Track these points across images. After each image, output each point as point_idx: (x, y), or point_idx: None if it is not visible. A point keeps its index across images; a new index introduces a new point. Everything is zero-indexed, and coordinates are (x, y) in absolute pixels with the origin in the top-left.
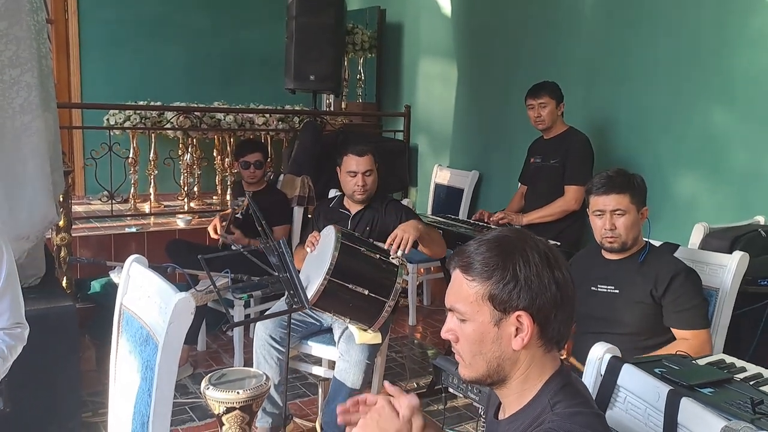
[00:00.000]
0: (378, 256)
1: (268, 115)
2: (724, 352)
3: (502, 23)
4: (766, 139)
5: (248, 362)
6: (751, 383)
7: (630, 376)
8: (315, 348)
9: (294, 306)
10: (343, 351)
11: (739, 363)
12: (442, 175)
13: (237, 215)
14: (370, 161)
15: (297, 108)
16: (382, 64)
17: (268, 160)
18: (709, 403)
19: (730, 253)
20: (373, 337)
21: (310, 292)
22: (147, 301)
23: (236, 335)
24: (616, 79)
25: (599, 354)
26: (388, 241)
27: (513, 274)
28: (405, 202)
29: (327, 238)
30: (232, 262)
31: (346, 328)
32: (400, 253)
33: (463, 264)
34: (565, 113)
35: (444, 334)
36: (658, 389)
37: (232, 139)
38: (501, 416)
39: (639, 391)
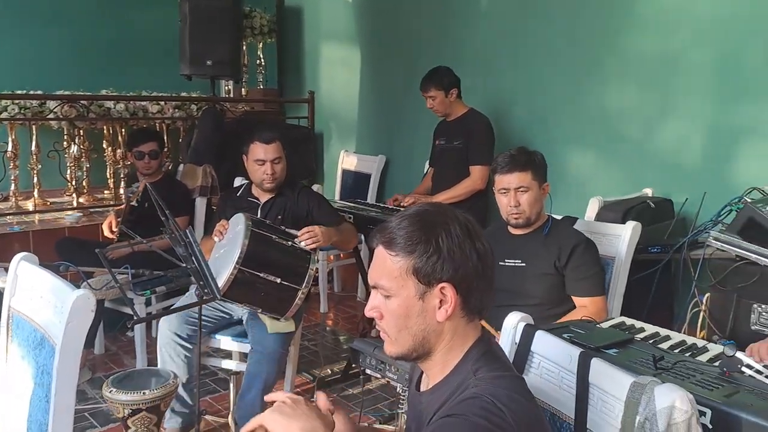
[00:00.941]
0: (290, 243)
1: (163, 103)
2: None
3: (403, 8)
4: (654, 117)
5: (152, 363)
6: (651, 342)
7: (543, 342)
8: (224, 342)
9: (205, 297)
10: (255, 342)
11: (638, 324)
12: (348, 161)
13: (132, 203)
14: (277, 148)
15: (194, 95)
16: (283, 49)
17: (165, 149)
18: (615, 363)
19: (623, 223)
20: (285, 325)
21: (220, 282)
22: (39, 301)
23: (138, 335)
24: (514, 63)
25: (513, 323)
26: (302, 231)
27: (436, 247)
28: (315, 188)
29: (236, 227)
30: (131, 258)
31: (257, 318)
32: (302, 244)
33: (386, 240)
34: (466, 95)
35: (368, 312)
36: (570, 352)
37: (123, 129)
38: (423, 387)
39: (552, 355)
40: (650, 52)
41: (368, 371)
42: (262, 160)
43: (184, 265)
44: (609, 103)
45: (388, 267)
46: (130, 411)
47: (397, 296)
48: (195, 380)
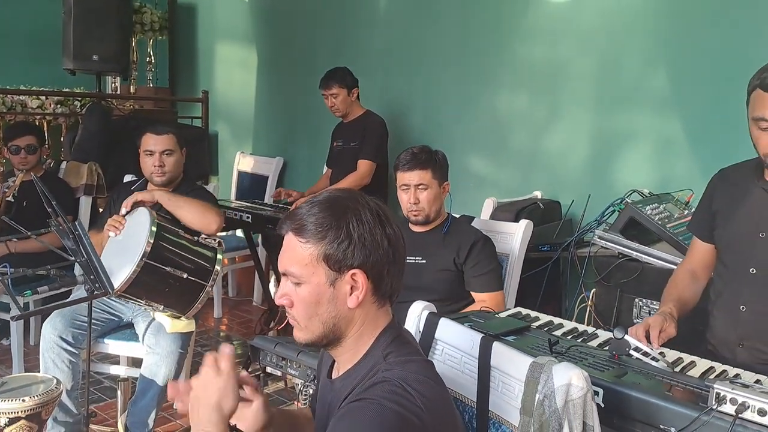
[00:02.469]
0: (196, 238)
1: (44, 98)
2: None
3: (301, 9)
4: (542, 123)
5: (31, 371)
6: (546, 329)
7: (446, 329)
8: (113, 346)
9: (96, 292)
10: (151, 344)
11: (533, 314)
12: (245, 162)
13: (8, 198)
14: (170, 141)
15: (78, 91)
16: (175, 46)
17: (45, 145)
18: (514, 348)
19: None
20: (186, 324)
21: (120, 278)
22: None
23: (14, 342)
24: (411, 69)
25: (417, 311)
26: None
27: (347, 233)
28: (211, 187)
29: (137, 221)
30: (9, 258)
31: (153, 319)
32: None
33: (296, 226)
34: (364, 98)
35: (278, 299)
36: (472, 337)
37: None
38: (335, 375)
39: (455, 341)
40: (539, 60)
41: (269, 369)
42: (151, 151)
43: (73, 258)
44: (501, 109)
45: (298, 254)
46: (8, 420)
47: (308, 283)
48: (80, 387)
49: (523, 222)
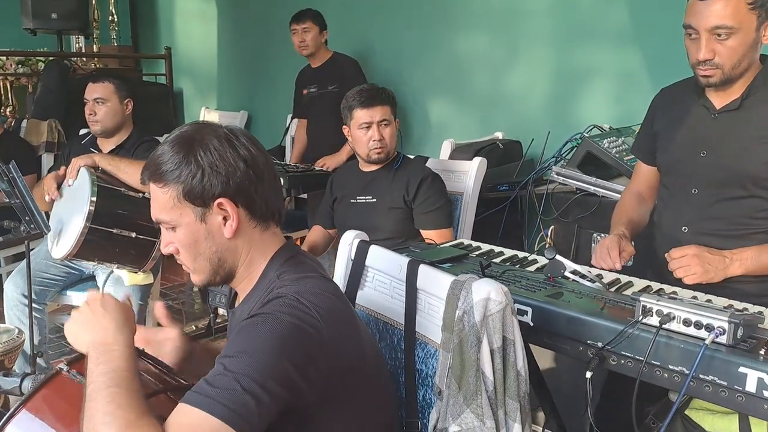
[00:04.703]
0: (141, 195)
1: (5, 58)
2: None
3: None
4: (504, 63)
5: None
6: (484, 257)
7: (375, 255)
8: (76, 297)
9: (32, 233)
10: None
11: (476, 244)
12: (210, 118)
13: None
14: (102, 89)
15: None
16: (136, 3)
17: (5, 107)
18: (447, 273)
19: None
20: (144, 277)
21: (69, 242)
22: None
23: None
24: (369, 13)
25: (348, 240)
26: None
27: (197, 165)
28: None
29: (80, 185)
30: None
31: (112, 272)
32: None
33: (151, 173)
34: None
35: (164, 249)
36: (400, 262)
37: None
38: (237, 305)
39: (384, 267)
40: (496, 2)
41: (220, 310)
42: (86, 99)
43: (7, 200)
44: (460, 50)
45: (161, 200)
46: None
47: (180, 225)
48: (48, 341)
49: (477, 159)
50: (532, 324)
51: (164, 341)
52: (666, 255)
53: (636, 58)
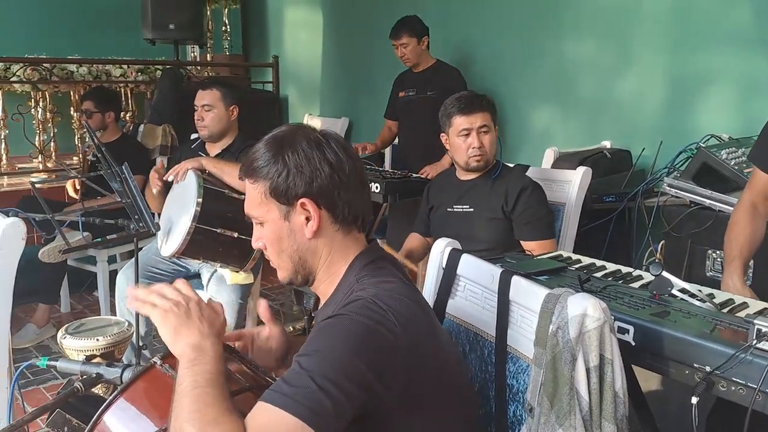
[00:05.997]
0: (243, 197)
1: (126, 67)
2: None
3: None
4: (613, 68)
5: None
6: (584, 271)
7: (468, 264)
8: None
9: (140, 231)
10: (213, 293)
11: (576, 257)
12: (312, 124)
13: (89, 157)
14: (211, 96)
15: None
16: (248, 14)
17: (125, 112)
18: (542, 286)
19: None
20: (245, 277)
21: (177, 241)
22: None
23: (101, 292)
24: (472, 17)
25: (440, 248)
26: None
27: (284, 164)
28: None
29: (188, 186)
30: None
31: (216, 270)
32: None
33: (244, 170)
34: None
35: (254, 244)
36: (492, 272)
37: None
38: (319, 308)
39: (476, 277)
40: (607, 3)
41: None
42: (195, 106)
43: (119, 200)
44: (566, 55)
45: (252, 196)
46: (84, 357)
47: (267, 221)
48: (154, 333)
49: (581, 169)
50: (633, 343)
51: (267, 339)
52: None
53: (760, 62)
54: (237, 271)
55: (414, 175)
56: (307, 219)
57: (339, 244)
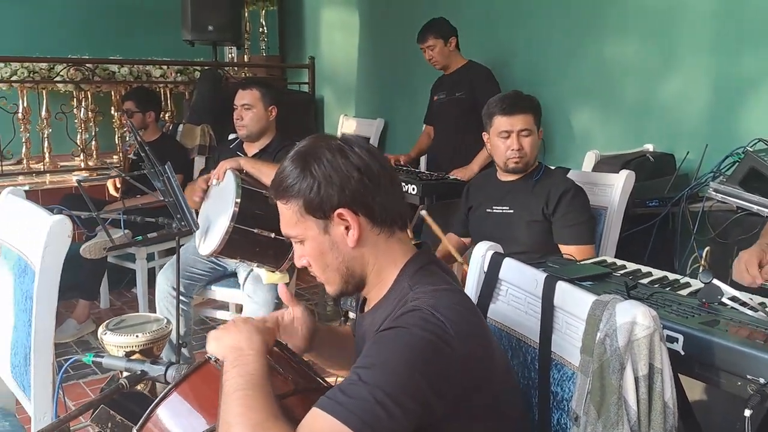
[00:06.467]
0: None
1: (165, 67)
2: None
3: None
4: (658, 70)
5: None
6: (630, 277)
7: (510, 268)
8: (219, 292)
9: (183, 230)
10: (250, 292)
11: (621, 262)
12: (348, 125)
13: (130, 156)
14: (251, 96)
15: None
16: (285, 15)
17: (164, 112)
18: (588, 292)
19: None
20: (281, 277)
21: (215, 240)
22: (24, 231)
23: (140, 289)
24: (513, 16)
25: (482, 252)
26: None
27: (313, 178)
28: None
29: (226, 186)
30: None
31: (252, 270)
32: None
33: (274, 191)
34: (465, 50)
35: (298, 263)
36: (536, 277)
37: None
38: (366, 309)
39: (518, 281)
40: (651, 2)
41: (350, 313)
42: (235, 105)
43: (162, 198)
44: (609, 56)
45: (287, 216)
46: (124, 353)
47: (307, 239)
48: (193, 332)
49: (624, 172)
50: (683, 353)
51: (291, 321)
52: None
53: None
54: (273, 271)
55: (450, 176)
56: (347, 228)
57: (384, 248)
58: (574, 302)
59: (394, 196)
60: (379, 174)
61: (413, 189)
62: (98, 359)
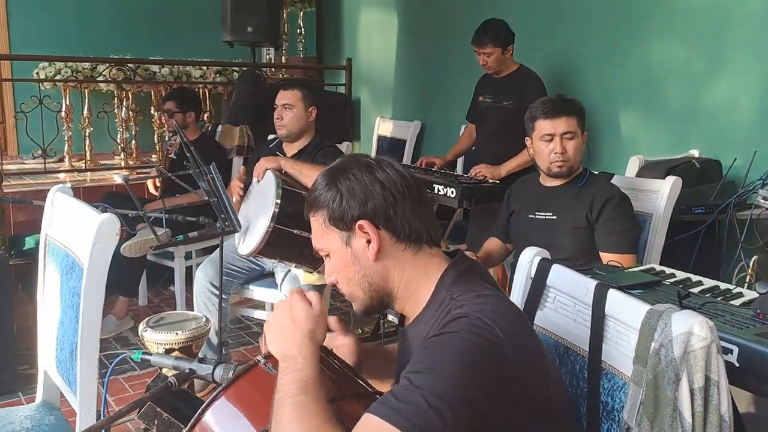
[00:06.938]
0: None
1: (205, 68)
2: None
3: None
4: (704, 74)
5: None
6: (680, 286)
7: (558, 275)
8: (257, 292)
9: (226, 230)
10: (287, 292)
11: (669, 270)
12: (384, 127)
13: (171, 155)
14: (292, 96)
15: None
16: (323, 17)
17: (191, 110)
18: (640, 301)
19: None
20: (318, 278)
21: (254, 240)
22: (72, 228)
23: (177, 287)
24: (555, 19)
25: (529, 257)
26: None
27: (336, 190)
28: (347, 147)
29: (266, 186)
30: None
31: (290, 270)
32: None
33: (307, 205)
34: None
35: (327, 279)
36: (586, 284)
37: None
38: (406, 324)
39: (567, 288)
40: (697, 4)
41: (389, 316)
42: (275, 105)
43: (207, 198)
44: (654, 59)
45: (315, 229)
46: (164, 350)
47: (332, 251)
48: (229, 329)
49: (671, 179)
50: (738, 365)
51: (339, 347)
52: None
53: None
54: (311, 272)
55: (489, 180)
56: (368, 242)
57: (412, 263)
58: (626, 311)
59: (418, 214)
60: (403, 191)
61: (452, 192)
62: (147, 357)
